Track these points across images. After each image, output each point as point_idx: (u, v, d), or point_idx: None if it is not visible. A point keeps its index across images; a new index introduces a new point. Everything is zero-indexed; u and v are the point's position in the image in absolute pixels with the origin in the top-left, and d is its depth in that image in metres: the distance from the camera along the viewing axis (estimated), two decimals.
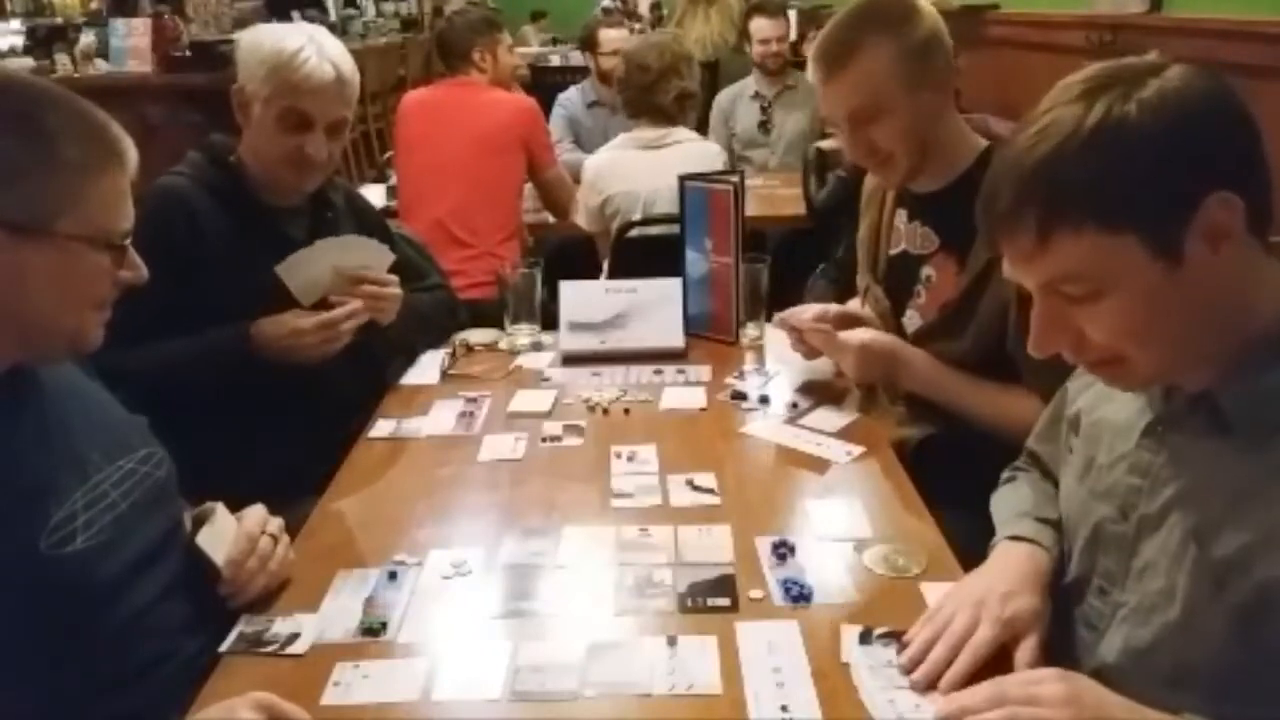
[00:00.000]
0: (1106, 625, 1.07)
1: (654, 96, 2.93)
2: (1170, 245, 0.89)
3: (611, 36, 4.14)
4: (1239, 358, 0.94)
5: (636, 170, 2.91)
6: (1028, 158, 0.91)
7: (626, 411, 1.78)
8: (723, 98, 4.27)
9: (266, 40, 1.74)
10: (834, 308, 1.84)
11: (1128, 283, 0.91)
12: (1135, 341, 0.95)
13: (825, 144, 3.23)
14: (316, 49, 1.73)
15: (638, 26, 5.43)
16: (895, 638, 1.12)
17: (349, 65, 1.77)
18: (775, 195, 3.58)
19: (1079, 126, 0.89)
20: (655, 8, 8.00)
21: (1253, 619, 0.91)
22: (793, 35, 5.04)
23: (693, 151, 2.90)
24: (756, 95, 4.19)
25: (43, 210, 1.05)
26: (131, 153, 1.13)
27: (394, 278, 1.85)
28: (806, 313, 1.81)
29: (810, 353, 1.83)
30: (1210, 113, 0.89)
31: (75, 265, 1.09)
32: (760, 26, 4.16)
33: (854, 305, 1.93)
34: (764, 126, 4.16)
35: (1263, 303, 0.93)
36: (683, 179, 2.13)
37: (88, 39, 5.30)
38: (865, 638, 1.13)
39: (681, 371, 1.94)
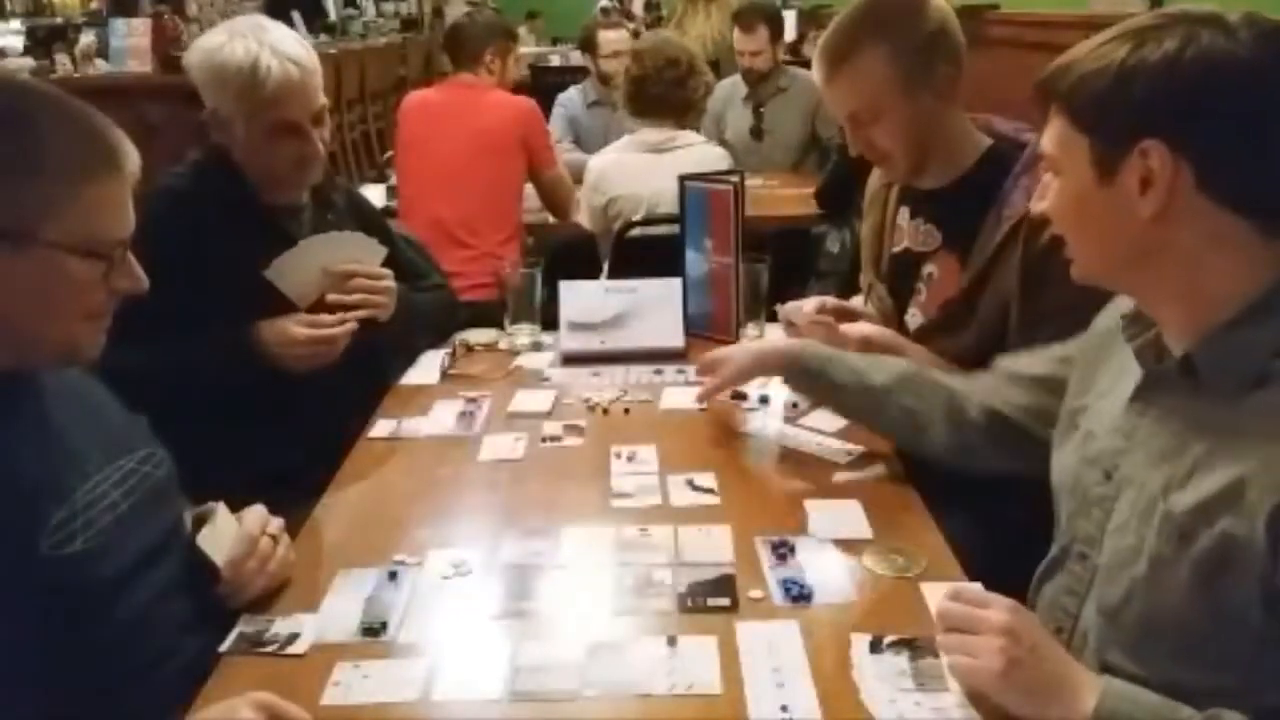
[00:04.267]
0: (1086, 590, 1.08)
1: (684, 91, 2.92)
2: (1107, 164, 0.97)
3: (611, 39, 4.12)
4: (1209, 316, 0.97)
5: (640, 172, 2.90)
6: (1076, 48, 1.01)
7: (626, 411, 1.78)
8: (714, 96, 4.20)
9: (220, 60, 1.68)
10: (832, 300, 1.84)
11: (1070, 173, 1.02)
12: (1066, 227, 1.06)
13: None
14: (270, 52, 1.67)
15: (631, 26, 5.40)
16: (906, 645, 1.11)
17: (306, 53, 1.73)
18: (775, 195, 3.57)
19: (1110, 40, 0.97)
20: (652, 8, 7.99)
21: (1212, 573, 0.93)
22: (791, 35, 5.03)
23: (698, 155, 2.88)
24: (749, 98, 4.14)
25: (26, 216, 1.03)
26: (131, 160, 1.11)
27: (387, 271, 1.84)
28: (807, 305, 1.81)
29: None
30: (1205, 78, 0.92)
31: (59, 274, 1.06)
32: (736, 38, 4.10)
33: (856, 302, 1.94)
34: (755, 132, 4.10)
35: (1225, 268, 0.96)
36: (683, 179, 2.13)
37: (88, 39, 5.30)
38: (876, 646, 1.12)
39: (681, 371, 1.93)
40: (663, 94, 2.93)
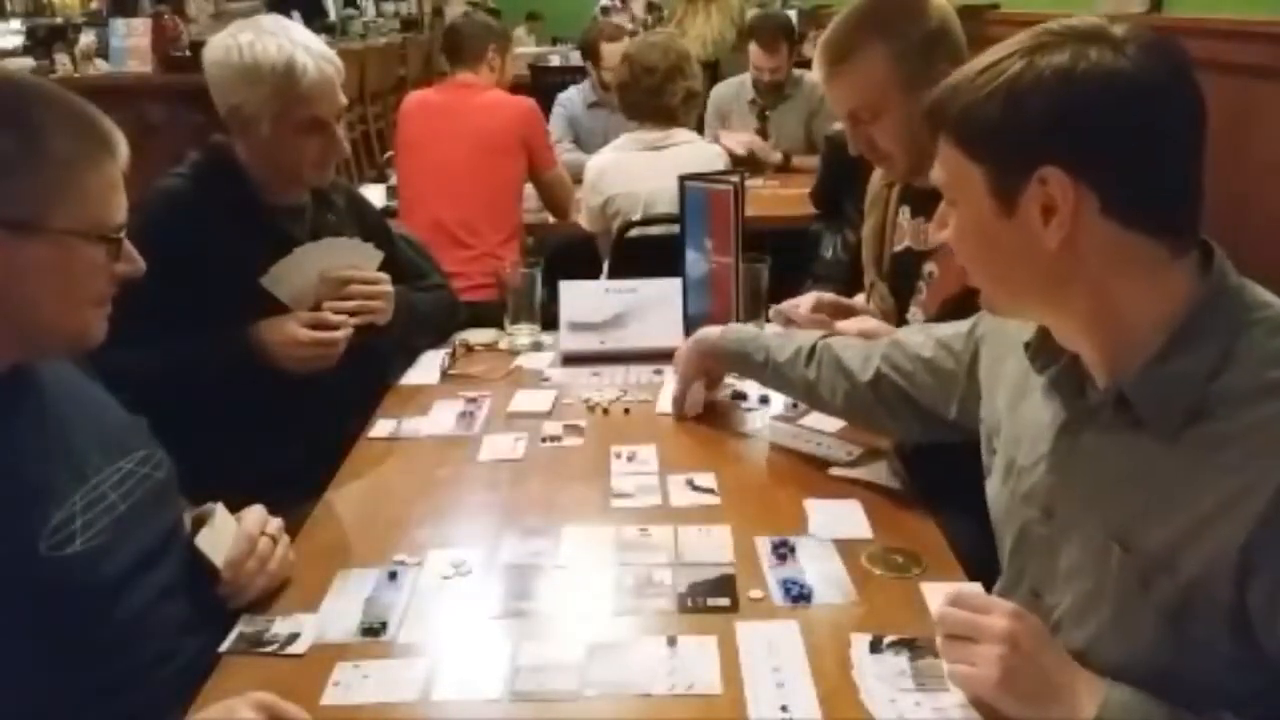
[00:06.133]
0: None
1: (661, 98, 2.92)
2: (1006, 194, 0.94)
3: (614, 50, 4.05)
4: (1132, 348, 0.95)
5: (638, 171, 2.91)
6: (961, 71, 0.98)
7: (626, 411, 1.78)
8: (719, 96, 4.16)
9: (252, 57, 1.68)
10: (828, 297, 1.85)
11: (967, 206, 0.99)
12: (968, 262, 1.03)
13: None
14: (304, 50, 1.69)
15: (630, 27, 5.37)
16: (906, 645, 1.12)
17: (332, 52, 1.76)
18: (775, 195, 3.57)
19: (995, 64, 0.94)
20: (654, 8, 7.97)
21: (1180, 618, 0.93)
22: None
23: (694, 153, 2.90)
24: (754, 102, 4.14)
25: (36, 206, 1.05)
26: (122, 145, 1.13)
27: (384, 276, 1.84)
28: (804, 304, 1.81)
29: None
30: (1099, 96, 0.89)
31: (72, 260, 1.08)
32: (755, 53, 4.07)
33: (859, 300, 1.94)
34: (760, 133, 4.07)
35: (1139, 292, 0.94)
36: (683, 179, 2.13)
37: (88, 39, 5.30)
38: (876, 646, 1.12)
39: None
40: (640, 101, 2.95)
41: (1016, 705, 0.96)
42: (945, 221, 1.04)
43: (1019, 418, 1.14)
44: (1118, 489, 0.98)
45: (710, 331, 1.70)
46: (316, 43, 1.75)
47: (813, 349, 1.54)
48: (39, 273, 1.07)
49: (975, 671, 0.98)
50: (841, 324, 1.70)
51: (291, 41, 1.70)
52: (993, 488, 1.20)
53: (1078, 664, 0.98)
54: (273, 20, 1.77)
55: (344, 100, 1.78)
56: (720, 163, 2.91)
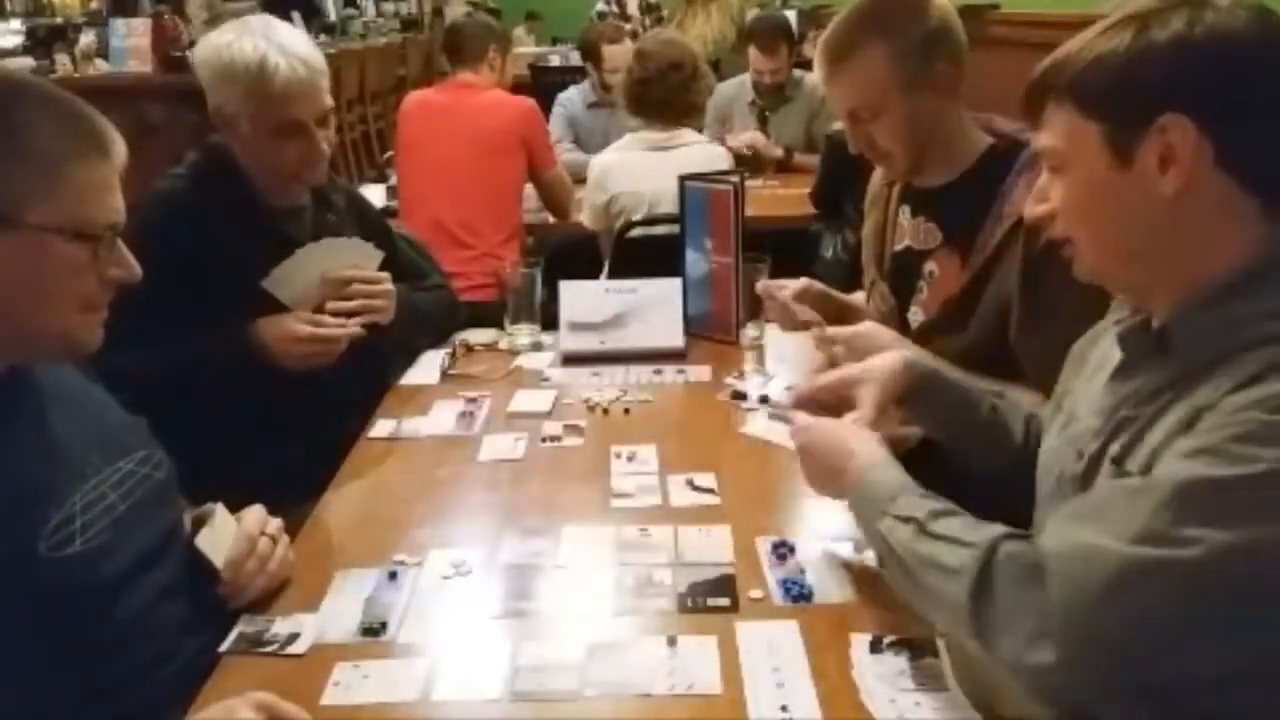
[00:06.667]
0: None
1: (687, 94, 2.94)
2: (1122, 147, 0.95)
3: (616, 52, 4.04)
4: (1196, 292, 0.96)
5: (643, 171, 2.91)
6: (1065, 47, 1.00)
7: (626, 411, 1.78)
8: (719, 97, 4.14)
9: (228, 57, 1.67)
10: (818, 286, 1.87)
11: (1080, 164, 0.99)
12: (1076, 224, 1.03)
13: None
14: (278, 50, 1.67)
15: (628, 28, 5.37)
16: (906, 645, 1.12)
17: (313, 53, 1.73)
18: (775, 195, 3.58)
19: (1103, 33, 0.96)
20: (650, 9, 7.96)
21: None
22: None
23: (699, 153, 2.91)
24: (754, 104, 4.14)
25: (10, 200, 1.04)
26: (117, 145, 1.11)
27: (385, 275, 1.83)
28: (790, 287, 1.83)
29: (788, 323, 1.86)
30: (1219, 50, 0.92)
31: (47, 257, 1.06)
32: (754, 56, 4.06)
33: (857, 297, 1.94)
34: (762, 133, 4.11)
35: (1226, 245, 0.95)
36: (683, 179, 2.13)
37: (88, 39, 5.31)
38: (875, 646, 1.12)
39: (681, 371, 1.94)
40: (666, 97, 2.94)
41: (820, 475, 1.24)
42: (1045, 195, 1.05)
43: (1093, 380, 1.13)
44: (1134, 419, 0.98)
45: (897, 354, 1.36)
46: (297, 43, 1.72)
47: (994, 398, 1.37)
48: (17, 267, 1.05)
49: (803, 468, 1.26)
50: (834, 330, 1.69)
51: (268, 41, 1.67)
52: (1046, 444, 1.19)
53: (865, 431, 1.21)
54: (259, 20, 1.75)
55: (328, 102, 1.75)
56: (724, 163, 2.91)
